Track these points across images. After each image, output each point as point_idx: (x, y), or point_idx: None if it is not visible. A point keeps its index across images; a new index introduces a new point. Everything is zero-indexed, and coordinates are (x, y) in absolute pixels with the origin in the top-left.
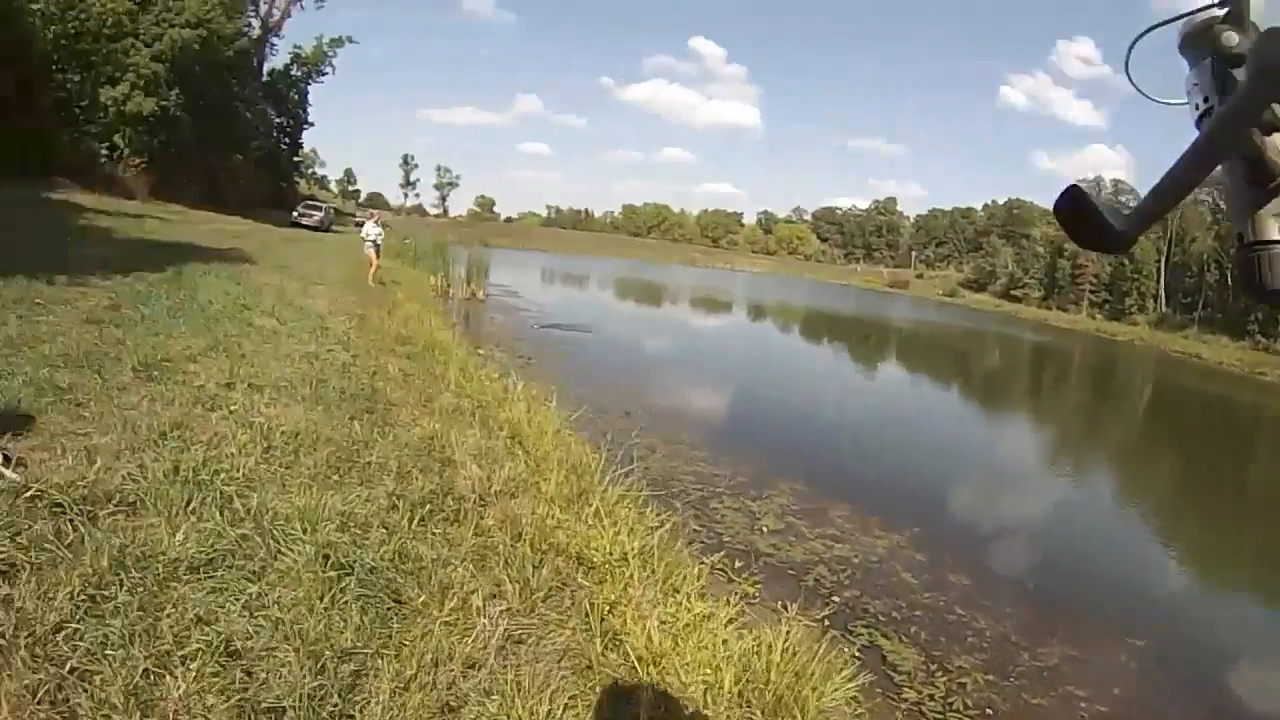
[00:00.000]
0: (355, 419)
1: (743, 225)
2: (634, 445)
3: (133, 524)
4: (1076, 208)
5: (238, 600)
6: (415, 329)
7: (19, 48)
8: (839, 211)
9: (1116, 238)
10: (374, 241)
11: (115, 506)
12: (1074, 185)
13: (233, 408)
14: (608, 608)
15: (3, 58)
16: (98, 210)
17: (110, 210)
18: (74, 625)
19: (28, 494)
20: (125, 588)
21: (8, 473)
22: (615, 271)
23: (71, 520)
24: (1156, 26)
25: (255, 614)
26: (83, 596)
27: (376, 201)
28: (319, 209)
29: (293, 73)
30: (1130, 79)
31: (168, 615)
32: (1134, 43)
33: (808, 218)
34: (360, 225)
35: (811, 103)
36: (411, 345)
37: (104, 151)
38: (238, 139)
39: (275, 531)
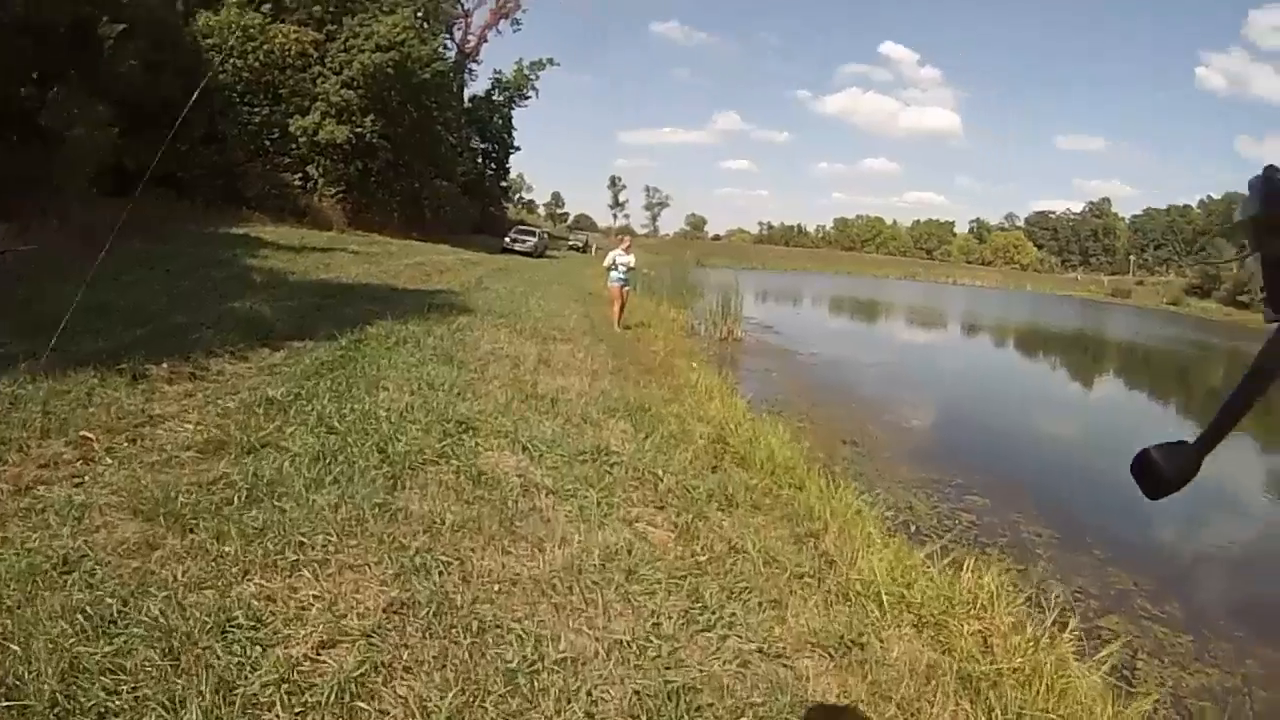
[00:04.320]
0: None
1: (955, 235)
2: None
3: None
4: (1143, 468)
5: None
6: (722, 417)
7: (197, 84)
8: (1053, 216)
9: (1176, 480)
10: (622, 275)
11: None
12: (1144, 450)
13: None
14: None
15: (185, 93)
16: (280, 245)
17: (296, 245)
18: None
19: None
20: None
21: None
22: (847, 290)
23: None
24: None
25: None
26: None
27: (584, 223)
28: (532, 234)
29: (494, 97)
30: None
31: None
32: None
33: (1021, 224)
34: (579, 249)
35: (1011, 102)
36: (747, 467)
37: (297, 182)
38: (441, 164)
39: None
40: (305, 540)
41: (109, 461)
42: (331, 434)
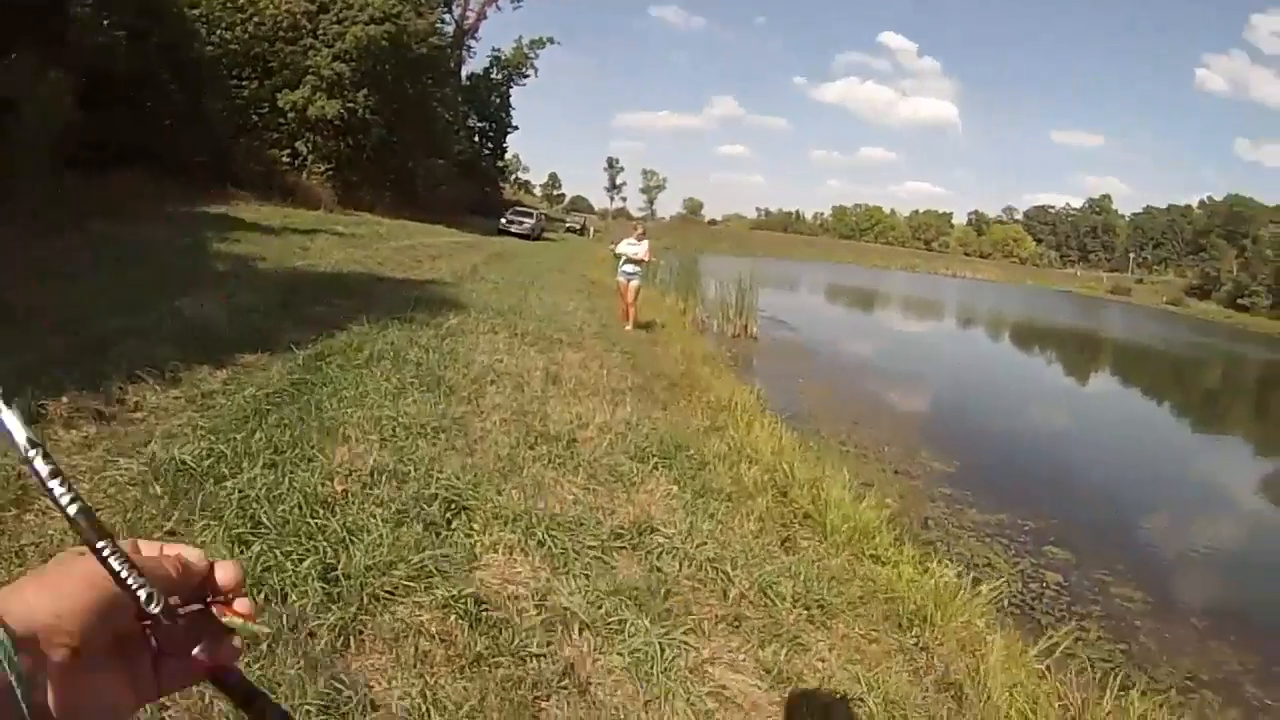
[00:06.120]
0: None
1: (953, 226)
2: None
3: None
4: None
5: None
6: (771, 451)
7: (184, 55)
8: (1052, 211)
9: None
10: (634, 268)
11: None
12: None
13: None
14: None
15: (171, 66)
16: (259, 226)
17: (276, 226)
18: None
19: None
20: None
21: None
22: (850, 280)
23: None
24: None
25: None
26: None
27: (580, 205)
28: (529, 215)
29: (493, 75)
30: None
31: None
32: None
33: (1019, 217)
34: (577, 231)
35: (1009, 95)
36: (821, 533)
37: (285, 159)
38: (436, 142)
39: None
40: None
41: None
42: (255, 536)
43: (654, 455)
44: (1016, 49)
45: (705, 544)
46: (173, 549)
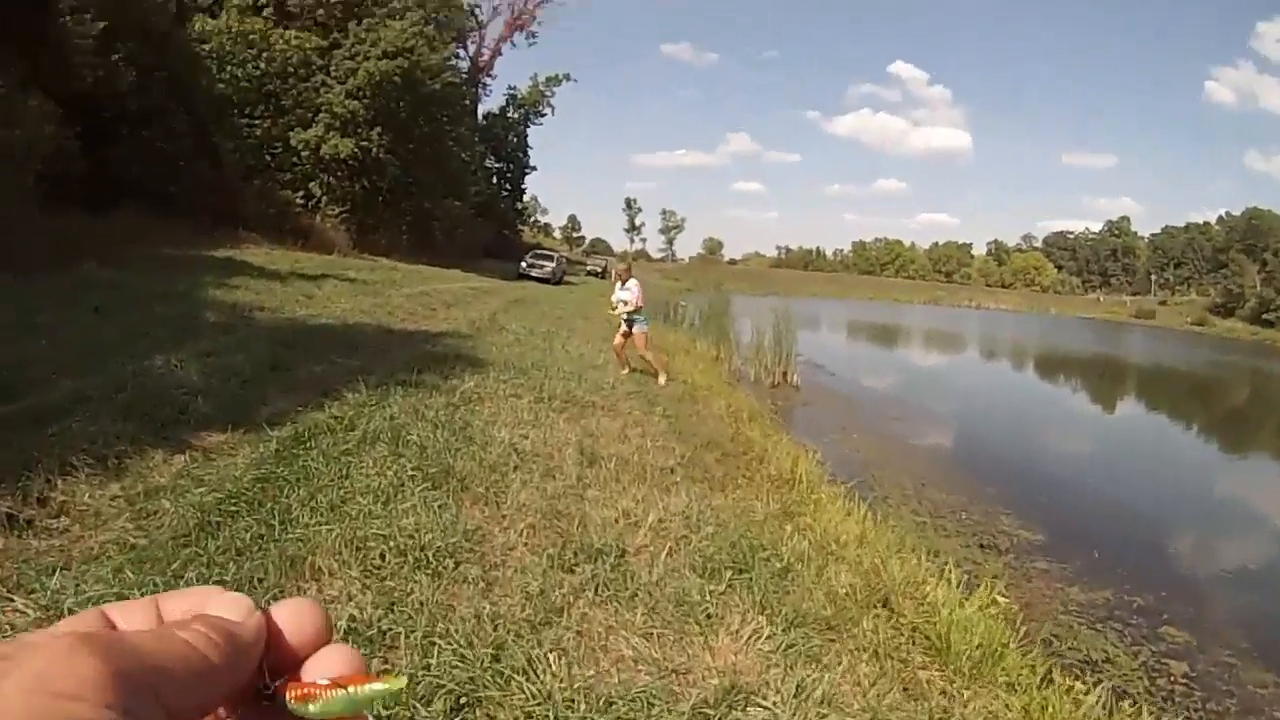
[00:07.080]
0: None
1: (973, 257)
2: None
3: None
4: None
5: None
6: (855, 540)
7: (194, 92)
8: (1071, 236)
9: None
10: (635, 315)
11: None
12: None
13: None
14: None
15: (181, 103)
16: (264, 272)
17: (284, 271)
18: None
19: None
20: None
21: None
22: (878, 318)
23: None
24: None
25: None
26: None
27: (600, 247)
28: (550, 258)
29: (509, 114)
30: None
31: None
32: None
33: (1039, 244)
34: (598, 274)
35: (1019, 120)
36: (941, 657)
37: (299, 201)
38: (453, 182)
39: None
40: None
41: None
42: None
43: (726, 566)
44: (1023, 73)
45: (823, 716)
46: (184, 600)
